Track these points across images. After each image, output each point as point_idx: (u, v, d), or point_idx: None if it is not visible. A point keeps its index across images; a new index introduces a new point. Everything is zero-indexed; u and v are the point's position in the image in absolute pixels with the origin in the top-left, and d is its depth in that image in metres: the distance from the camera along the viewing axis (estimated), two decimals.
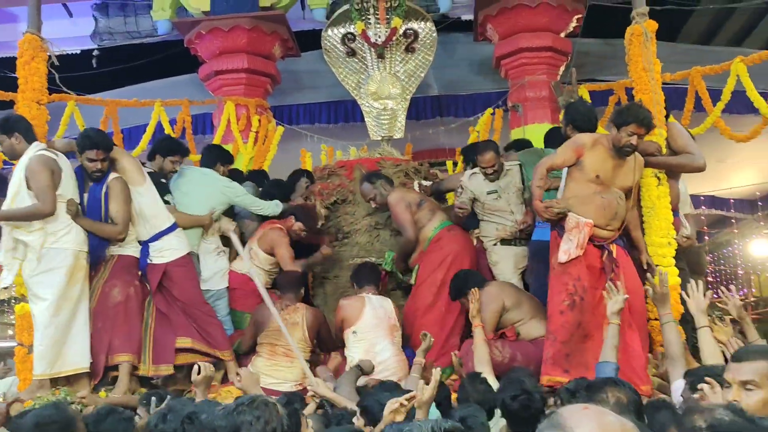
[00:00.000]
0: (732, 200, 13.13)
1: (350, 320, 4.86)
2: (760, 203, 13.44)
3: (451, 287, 4.89)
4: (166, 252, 4.79)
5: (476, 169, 5.47)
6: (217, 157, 5.74)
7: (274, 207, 5.65)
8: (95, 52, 9.27)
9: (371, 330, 4.80)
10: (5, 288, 4.45)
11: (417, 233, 5.34)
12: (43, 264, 4.31)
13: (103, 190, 4.60)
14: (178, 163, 5.33)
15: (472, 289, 4.55)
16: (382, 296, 5.13)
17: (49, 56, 5.05)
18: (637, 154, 4.42)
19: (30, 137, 4.54)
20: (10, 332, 13.84)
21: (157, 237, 4.78)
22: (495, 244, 5.34)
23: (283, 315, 4.81)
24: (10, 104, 5.68)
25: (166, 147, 5.37)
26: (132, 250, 4.75)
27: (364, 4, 6.72)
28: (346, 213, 6.08)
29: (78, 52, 9.20)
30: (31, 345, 4.47)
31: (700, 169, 4.63)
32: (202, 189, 5.38)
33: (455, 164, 8.07)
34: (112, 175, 4.67)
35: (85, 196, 4.62)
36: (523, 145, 6.16)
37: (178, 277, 4.80)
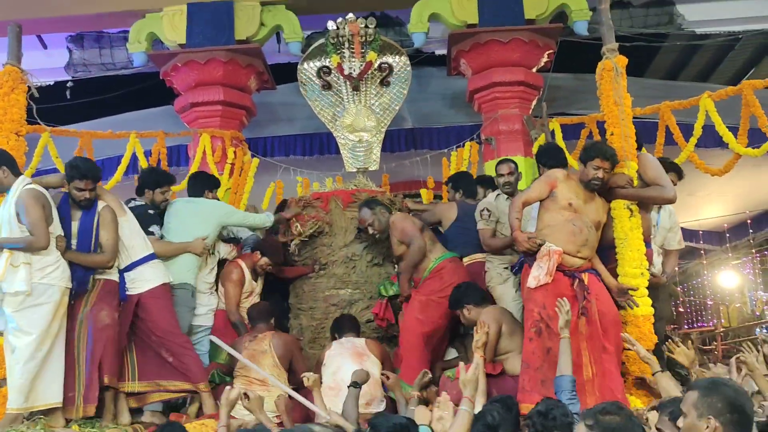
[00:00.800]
0: (701, 232, 13.37)
1: (321, 358, 4.99)
2: (728, 235, 13.69)
3: (450, 297, 4.97)
4: (138, 282, 4.84)
5: (498, 191, 5.61)
6: (203, 184, 5.82)
7: (265, 218, 5.78)
8: (69, 84, 9.24)
9: (336, 357, 4.87)
10: None
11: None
12: (30, 299, 4.28)
13: (95, 218, 4.64)
14: (168, 192, 5.38)
15: (481, 321, 4.53)
16: (359, 338, 5.16)
17: (29, 87, 5.05)
18: (602, 199, 4.65)
19: (15, 170, 4.55)
20: None
21: (131, 267, 4.83)
22: (506, 268, 5.39)
23: (252, 345, 4.87)
24: None
25: (153, 180, 5.42)
26: (115, 275, 4.78)
27: (340, 39, 6.80)
28: (323, 244, 6.09)
29: (51, 83, 9.17)
30: (4, 378, 4.41)
31: (671, 201, 4.76)
32: (195, 217, 5.44)
33: (439, 196, 8.13)
34: (101, 204, 4.72)
35: (74, 224, 4.62)
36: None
37: (150, 309, 4.83)
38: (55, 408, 4.37)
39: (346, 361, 4.80)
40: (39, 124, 5.90)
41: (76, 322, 4.55)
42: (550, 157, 5.16)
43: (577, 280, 4.40)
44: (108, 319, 4.63)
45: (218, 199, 5.87)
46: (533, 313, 4.35)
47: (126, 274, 4.82)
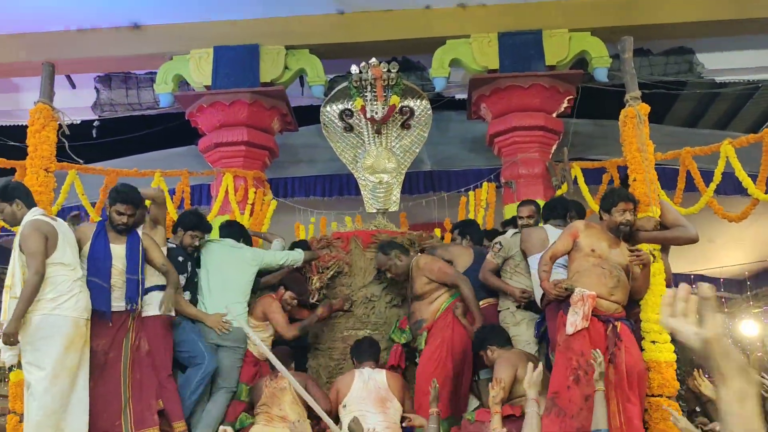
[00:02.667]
0: (722, 279, 13.24)
1: (341, 394, 4.94)
2: (749, 282, 13.54)
3: (474, 338, 5.02)
4: (147, 307, 4.91)
5: (517, 230, 5.65)
6: (238, 235, 5.91)
7: (297, 255, 5.83)
8: (96, 123, 9.41)
9: (359, 402, 4.84)
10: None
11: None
12: (40, 331, 4.23)
13: (140, 243, 4.78)
14: (198, 238, 5.44)
15: (497, 378, 4.47)
16: (379, 369, 5.13)
17: (60, 125, 5.16)
18: (627, 244, 4.67)
19: (30, 203, 4.59)
20: None
21: (147, 290, 4.93)
22: (518, 307, 5.38)
23: (273, 384, 4.89)
24: (9, 171, 5.76)
25: (191, 222, 5.50)
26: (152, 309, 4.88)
27: (363, 82, 6.92)
28: (342, 284, 6.12)
29: (78, 122, 9.35)
30: (23, 413, 4.39)
31: (694, 240, 4.76)
32: (236, 263, 5.53)
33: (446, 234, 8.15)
34: (140, 232, 4.89)
35: (117, 247, 4.69)
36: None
37: (154, 335, 4.87)
38: None
39: (369, 408, 4.79)
40: (67, 161, 6.00)
41: (120, 351, 4.58)
42: (550, 210, 5.38)
43: (611, 325, 4.39)
44: (147, 346, 4.73)
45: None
46: (572, 360, 4.29)
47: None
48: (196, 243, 5.47)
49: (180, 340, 5.02)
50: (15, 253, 4.38)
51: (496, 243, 5.54)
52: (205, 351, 5.03)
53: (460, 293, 5.35)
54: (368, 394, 4.85)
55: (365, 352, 5.22)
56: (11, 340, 4.15)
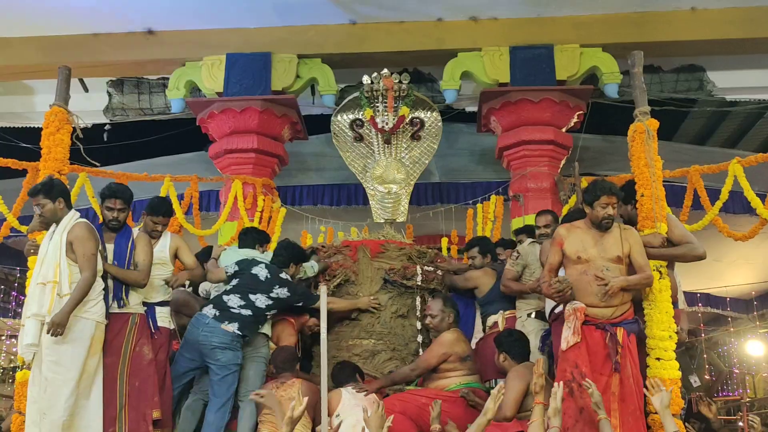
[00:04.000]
0: (728, 299, 13.19)
1: (332, 407, 4.88)
2: (755, 302, 13.48)
3: (497, 337, 5.03)
4: (164, 318, 4.99)
5: (533, 239, 5.64)
6: (254, 240, 5.76)
7: (310, 269, 5.76)
8: (107, 127, 9.47)
9: (352, 408, 4.80)
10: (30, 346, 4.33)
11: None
12: (70, 333, 4.26)
13: (129, 242, 4.75)
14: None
15: (500, 385, 4.34)
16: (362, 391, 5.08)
17: (74, 128, 5.20)
18: (628, 227, 4.59)
19: (69, 204, 4.62)
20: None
21: (165, 302, 5.01)
22: (530, 315, 5.37)
23: (280, 392, 4.85)
24: (21, 173, 5.80)
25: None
26: (144, 309, 4.87)
27: (374, 93, 6.95)
28: (348, 293, 6.10)
29: (90, 125, 9.41)
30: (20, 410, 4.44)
31: (701, 257, 4.71)
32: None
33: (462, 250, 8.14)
34: (137, 231, 4.89)
35: (110, 246, 4.69)
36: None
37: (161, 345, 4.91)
38: None
39: (361, 414, 4.76)
40: (78, 164, 6.04)
41: (119, 357, 4.57)
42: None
43: (609, 334, 4.34)
44: (151, 354, 4.69)
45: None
46: (566, 373, 4.24)
47: (158, 308, 4.95)
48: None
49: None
50: (60, 252, 4.38)
51: (514, 252, 5.56)
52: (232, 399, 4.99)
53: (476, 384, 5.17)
54: (359, 401, 4.84)
55: (345, 377, 5.19)
56: (59, 331, 4.19)
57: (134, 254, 4.75)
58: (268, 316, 5.23)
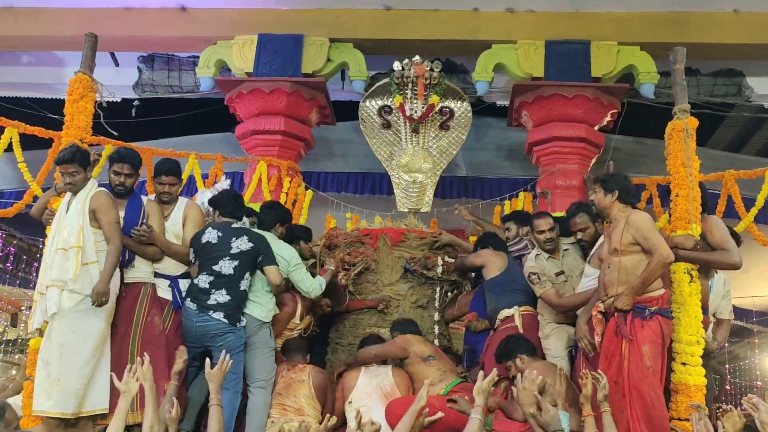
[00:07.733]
0: (754, 311, 12.95)
1: (347, 390, 4.87)
2: None
3: (499, 349, 4.76)
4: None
5: (537, 250, 5.34)
6: (276, 217, 5.45)
7: (318, 289, 5.19)
8: (135, 102, 9.45)
9: (365, 397, 4.76)
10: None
11: None
12: (89, 301, 4.26)
13: (141, 209, 4.72)
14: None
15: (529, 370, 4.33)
16: (385, 365, 5.00)
17: (98, 98, 5.15)
18: (629, 216, 4.38)
19: (90, 173, 4.66)
20: (13, 371, 13.66)
21: (186, 274, 4.90)
22: (549, 321, 5.20)
23: (290, 374, 4.85)
24: (47, 143, 5.76)
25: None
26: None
27: (404, 79, 6.87)
28: (368, 281, 6.05)
29: (119, 100, 9.40)
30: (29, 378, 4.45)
31: (735, 267, 4.56)
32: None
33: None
34: (145, 198, 4.87)
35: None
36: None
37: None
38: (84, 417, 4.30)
39: (376, 404, 4.70)
40: (103, 135, 6.00)
41: (130, 327, 4.56)
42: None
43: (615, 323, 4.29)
44: (162, 325, 4.67)
45: (287, 233, 5.52)
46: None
47: (181, 281, 4.85)
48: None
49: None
50: (84, 218, 4.37)
51: (531, 276, 5.17)
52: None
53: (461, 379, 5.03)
54: (373, 389, 4.78)
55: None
56: (104, 300, 4.25)
57: (148, 222, 4.69)
58: (247, 282, 4.74)
